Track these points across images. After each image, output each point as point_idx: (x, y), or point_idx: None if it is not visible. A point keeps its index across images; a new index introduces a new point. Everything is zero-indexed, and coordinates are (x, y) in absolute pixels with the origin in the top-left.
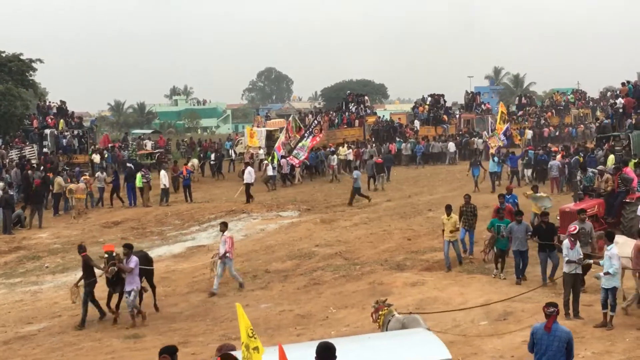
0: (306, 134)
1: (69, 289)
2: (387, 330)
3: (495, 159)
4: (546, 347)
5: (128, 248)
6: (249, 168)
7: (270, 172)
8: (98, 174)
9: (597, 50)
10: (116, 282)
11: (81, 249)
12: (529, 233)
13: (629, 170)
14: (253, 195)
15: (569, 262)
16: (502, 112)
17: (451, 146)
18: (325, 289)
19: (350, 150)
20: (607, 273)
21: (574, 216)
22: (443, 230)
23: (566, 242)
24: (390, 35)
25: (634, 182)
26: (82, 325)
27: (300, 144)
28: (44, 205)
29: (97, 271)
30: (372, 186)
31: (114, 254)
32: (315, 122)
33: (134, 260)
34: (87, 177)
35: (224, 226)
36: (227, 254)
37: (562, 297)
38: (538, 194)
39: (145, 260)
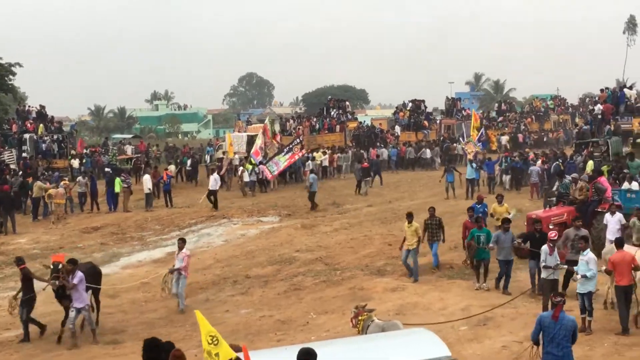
0: (285, 149)
1: (7, 299)
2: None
3: (473, 165)
4: (553, 334)
5: (72, 264)
6: (215, 175)
7: (246, 178)
8: (79, 178)
9: (576, 58)
10: (62, 296)
11: (19, 261)
12: (514, 242)
13: (604, 180)
14: (219, 200)
15: (545, 267)
16: (473, 122)
17: (427, 152)
18: (306, 295)
19: (326, 155)
20: (584, 276)
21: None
22: (404, 239)
23: (545, 248)
24: (373, 40)
25: (608, 192)
26: (27, 339)
27: (276, 158)
28: (22, 210)
29: (38, 285)
30: (357, 191)
31: (60, 266)
32: (297, 140)
33: (78, 276)
34: (67, 182)
35: (182, 242)
36: (182, 272)
37: (542, 302)
38: (502, 205)
39: (93, 274)
